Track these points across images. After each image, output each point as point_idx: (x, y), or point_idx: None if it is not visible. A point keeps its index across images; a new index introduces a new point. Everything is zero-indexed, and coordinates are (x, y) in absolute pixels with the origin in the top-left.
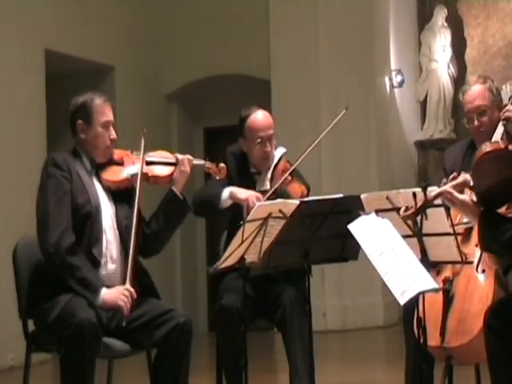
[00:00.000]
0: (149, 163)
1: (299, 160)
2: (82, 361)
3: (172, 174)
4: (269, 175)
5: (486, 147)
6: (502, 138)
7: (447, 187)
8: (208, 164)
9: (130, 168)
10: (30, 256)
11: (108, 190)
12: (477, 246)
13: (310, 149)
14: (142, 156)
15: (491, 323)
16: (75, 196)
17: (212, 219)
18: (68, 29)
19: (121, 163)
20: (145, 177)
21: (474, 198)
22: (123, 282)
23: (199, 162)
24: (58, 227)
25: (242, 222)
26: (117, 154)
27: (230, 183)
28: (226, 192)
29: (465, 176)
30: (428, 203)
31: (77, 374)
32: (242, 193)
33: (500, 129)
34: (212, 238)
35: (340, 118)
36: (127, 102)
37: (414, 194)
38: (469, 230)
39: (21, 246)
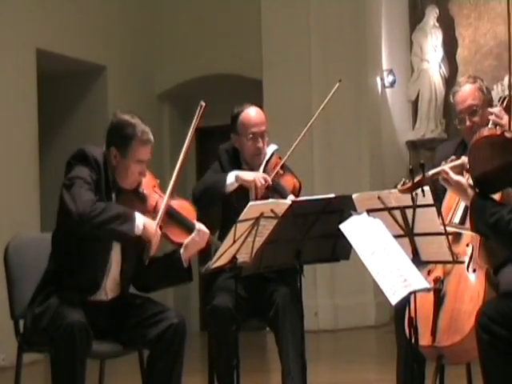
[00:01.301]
0: (170, 216)
1: (294, 146)
2: (72, 361)
3: (183, 241)
4: (261, 171)
5: (483, 131)
6: None
7: (445, 167)
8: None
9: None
10: (22, 256)
11: None
12: (468, 245)
13: (304, 131)
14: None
15: (483, 322)
16: None
17: (214, 208)
18: (60, 28)
19: (143, 200)
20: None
21: (471, 182)
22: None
23: (215, 240)
24: (83, 198)
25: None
26: (145, 181)
27: None
28: (232, 176)
29: (464, 159)
30: (425, 181)
31: (67, 374)
32: (248, 174)
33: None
34: None
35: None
36: (119, 101)
37: (411, 170)
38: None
39: (12, 246)
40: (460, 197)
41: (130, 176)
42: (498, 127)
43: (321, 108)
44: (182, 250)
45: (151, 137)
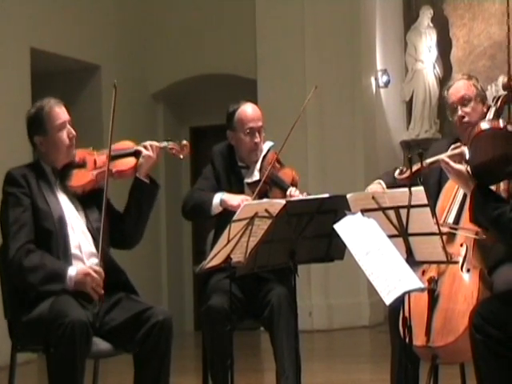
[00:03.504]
0: (112, 158)
1: (283, 145)
2: (73, 360)
3: (136, 164)
4: (258, 166)
5: (485, 124)
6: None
7: (443, 156)
8: (171, 144)
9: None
10: None
11: (75, 195)
12: (462, 245)
13: (289, 132)
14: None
15: (477, 323)
16: (36, 210)
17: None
18: (54, 27)
19: (83, 165)
20: (109, 173)
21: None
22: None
23: (162, 144)
24: (15, 245)
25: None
26: (78, 154)
27: (218, 180)
28: (217, 199)
29: (463, 148)
30: (423, 169)
31: (67, 374)
32: (233, 199)
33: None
34: (198, 237)
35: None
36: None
37: (410, 159)
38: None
39: None
40: (460, 186)
41: (62, 146)
42: (500, 120)
43: (301, 111)
44: (137, 174)
45: (56, 99)
